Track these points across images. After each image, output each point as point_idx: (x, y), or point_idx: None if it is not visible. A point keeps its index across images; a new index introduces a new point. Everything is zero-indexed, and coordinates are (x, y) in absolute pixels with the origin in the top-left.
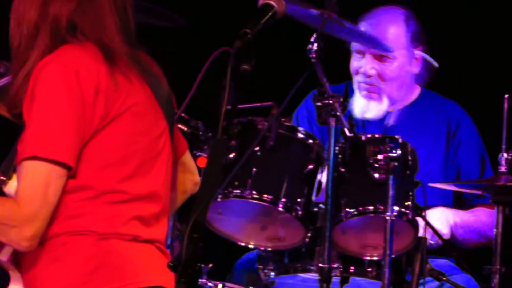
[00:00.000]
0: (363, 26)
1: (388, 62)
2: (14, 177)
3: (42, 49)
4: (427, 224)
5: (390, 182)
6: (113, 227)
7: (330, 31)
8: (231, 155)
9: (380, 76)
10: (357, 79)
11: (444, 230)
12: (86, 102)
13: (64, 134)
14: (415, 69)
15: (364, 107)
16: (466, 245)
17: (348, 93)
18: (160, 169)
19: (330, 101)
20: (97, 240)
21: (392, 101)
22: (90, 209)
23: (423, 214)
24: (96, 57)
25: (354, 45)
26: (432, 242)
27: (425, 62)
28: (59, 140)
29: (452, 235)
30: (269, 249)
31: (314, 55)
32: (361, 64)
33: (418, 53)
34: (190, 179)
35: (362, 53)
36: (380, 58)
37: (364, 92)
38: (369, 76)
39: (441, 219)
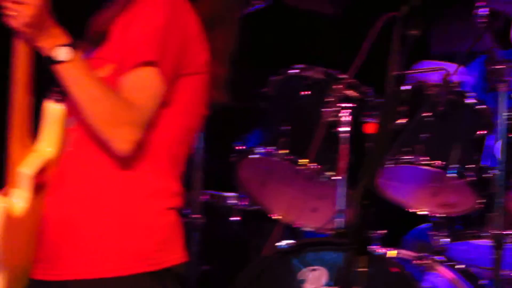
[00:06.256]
0: None
1: None
2: None
3: None
4: None
5: None
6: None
7: None
8: (401, 121)
9: None
10: None
11: None
12: (183, 39)
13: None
14: None
15: None
16: None
17: None
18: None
19: (500, 67)
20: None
21: None
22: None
23: None
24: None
25: None
26: None
27: None
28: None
29: None
30: (441, 215)
31: (482, 20)
32: None
33: None
34: None
35: None
36: None
37: None
38: None
39: None
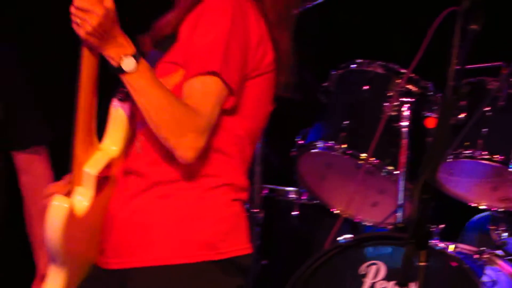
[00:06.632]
0: None
1: None
2: None
3: None
4: None
5: None
6: None
7: None
8: (461, 116)
9: None
10: None
11: None
12: (248, 43)
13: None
14: None
15: None
16: None
17: None
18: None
19: None
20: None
21: None
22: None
23: None
24: (259, 16)
25: None
26: None
27: None
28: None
29: None
30: (501, 210)
31: None
32: None
33: None
34: None
35: None
36: None
37: None
38: None
39: None
